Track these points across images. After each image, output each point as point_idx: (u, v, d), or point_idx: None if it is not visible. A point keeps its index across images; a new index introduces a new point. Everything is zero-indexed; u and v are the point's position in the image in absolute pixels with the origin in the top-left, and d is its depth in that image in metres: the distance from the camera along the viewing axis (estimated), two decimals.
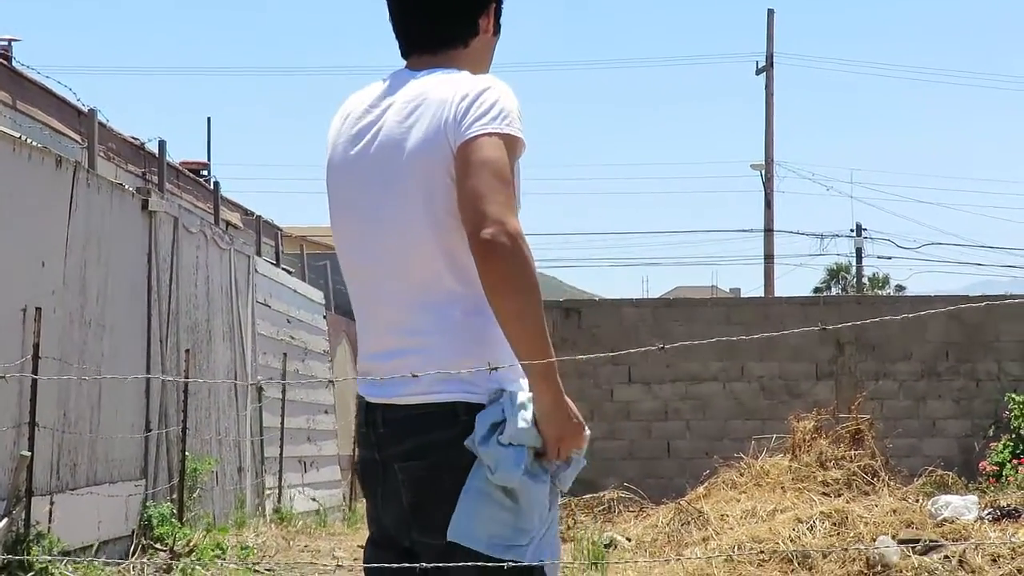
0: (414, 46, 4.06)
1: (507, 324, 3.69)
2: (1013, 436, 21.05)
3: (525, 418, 3.75)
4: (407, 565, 3.86)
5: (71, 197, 12.58)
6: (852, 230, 56.62)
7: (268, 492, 19.82)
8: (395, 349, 3.89)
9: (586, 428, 3.83)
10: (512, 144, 3.74)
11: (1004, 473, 20.09)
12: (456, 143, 3.72)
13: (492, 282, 3.67)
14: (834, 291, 67.19)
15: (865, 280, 65.10)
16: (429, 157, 3.78)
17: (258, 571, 12.49)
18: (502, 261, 3.65)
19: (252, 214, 25.91)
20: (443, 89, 3.82)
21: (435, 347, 3.81)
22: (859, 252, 57.70)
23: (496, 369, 3.73)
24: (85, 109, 17.31)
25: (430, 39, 4.04)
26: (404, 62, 4.09)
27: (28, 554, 10.65)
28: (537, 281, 3.67)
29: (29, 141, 13.09)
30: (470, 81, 3.82)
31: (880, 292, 61.55)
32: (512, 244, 3.62)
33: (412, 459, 3.85)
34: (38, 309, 11.50)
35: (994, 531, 13.19)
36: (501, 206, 3.64)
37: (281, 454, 20.51)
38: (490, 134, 3.70)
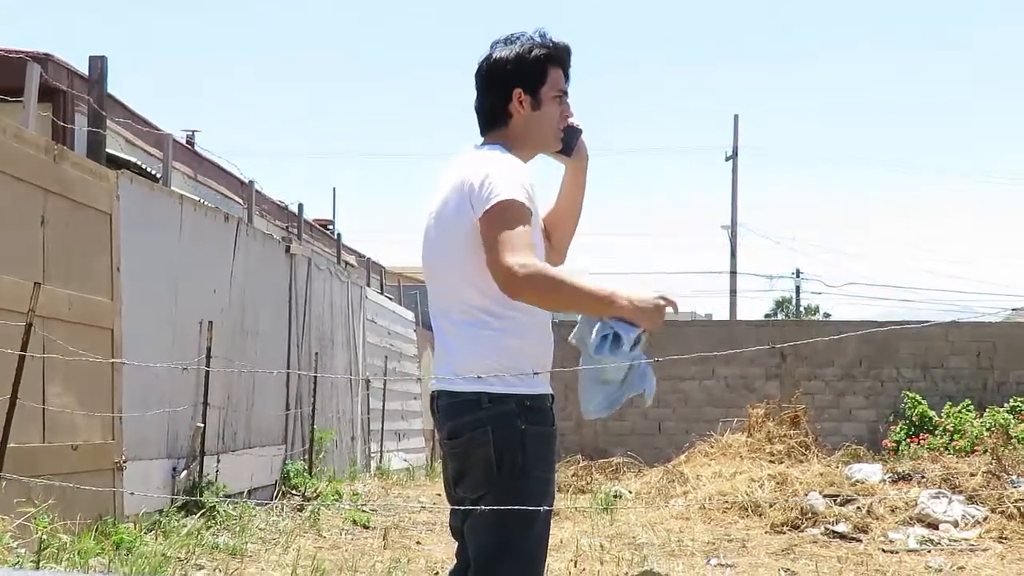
0: (480, 127, 4.02)
1: (565, 310, 3.78)
2: (907, 422, 20.97)
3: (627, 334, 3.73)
4: (461, 507, 3.85)
5: (235, 243, 12.65)
6: (793, 273, 56.48)
7: (372, 455, 19.83)
8: (444, 355, 3.89)
9: (660, 300, 3.75)
10: (503, 208, 3.64)
11: (900, 448, 20.02)
12: (476, 216, 3.69)
13: (533, 304, 3.67)
14: (780, 316, 66.92)
15: (802, 309, 64.87)
16: (459, 220, 3.75)
17: (365, 511, 12.48)
18: (525, 294, 3.61)
19: (364, 256, 25.98)
20: (470, 170, 3.78)
21: (466, 354, 3.79)
22: (798, 289, 57.56)
23: (507, 375, 3.70)
24: (245, 180, 17.40)
25: (483, 123, 4.00)
26: None
27: (201, 496, 10.69)
28: (554, 280, 3.59)
29: (206, 203, 13.17)
30: (483, 165, 3.76)
31: (813, 317, 61.23)
32: (520, 278, 3.56)
33: (452, 437, 3.83)
34: (210, 322, 11.56)
35: (893, 489, 13.13)
36: (504, 258, 3.58)
37: (382, 427, 20.53)
38: (486, 211, 3.65)
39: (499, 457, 3.72)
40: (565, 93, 4.02)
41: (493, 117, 3.98)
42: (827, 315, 62.73)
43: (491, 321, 3.76)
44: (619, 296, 3.69)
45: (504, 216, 3.66)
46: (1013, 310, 40.45)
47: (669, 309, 3.79)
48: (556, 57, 3.98)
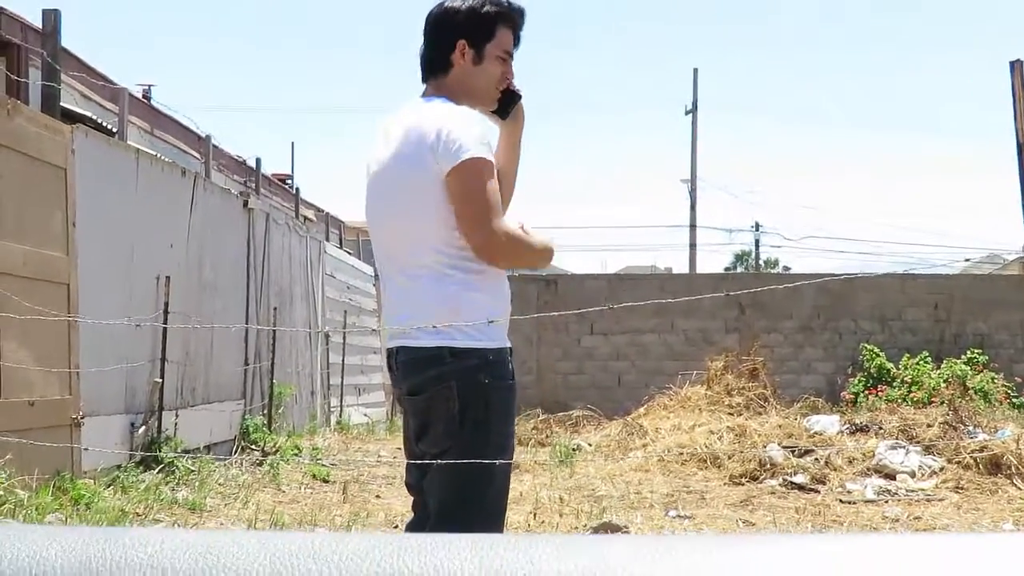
0: (422, 73, 4.00)
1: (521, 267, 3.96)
2: (865, 374, 21.15)
3: None
4: (421, 462, 3.82)
5: (192, 198, 12.57)
6: (752, 226, 56.69)
7: (332, 409, 19.81)
8: (400, 310, 3.84)
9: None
10: (478, 167, 3.66)
11: (858, 400, 20.20)
12: (443, 170, 3.67)
13: (503, 267, 3.82)
14: (739, 270, 67.20)
15: (761, 261, 65.16)
16: (417, 173, 3.72)
17: (324, 466, 12.49)
18: (501, 260, 3.77)
19: (323, 211, 25.87)
20: (424, 121, 3.74)
21: (426, 308, 3.74)
22: (757, 242, 57.81)
23: (469, 324, 3.69)
24: (203, 135, 17.29)
25: (424, 69, 3.98)
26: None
27: (160, 451, 10.67)
28: (522, 243, 3.78)
29: (163, 158, 13.08)
30: (441, 116, 3.73)
31: (771, 270, 61.48)
32: (503, 245, 3.72)
33: (414, 393, 3.81)
34: (168, 278, 11.50)
35: (850, 441, 13.22)
36: (490, 222, 3.68)
37: (342, 382, 20.50)
38: (456, 167, 3.64)
39: (463, 412, 3.71)
40: (510, 55, 4.00)
41: (434, 64, 3.96)
42: (786, 268, 63.01)
43: (453, 275, 3.74)
44: (550, 245, 3.93)
45: (480, 175, 3.67)
46: (966, 260, 40.80)
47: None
48: (508, 17, 3.96)
